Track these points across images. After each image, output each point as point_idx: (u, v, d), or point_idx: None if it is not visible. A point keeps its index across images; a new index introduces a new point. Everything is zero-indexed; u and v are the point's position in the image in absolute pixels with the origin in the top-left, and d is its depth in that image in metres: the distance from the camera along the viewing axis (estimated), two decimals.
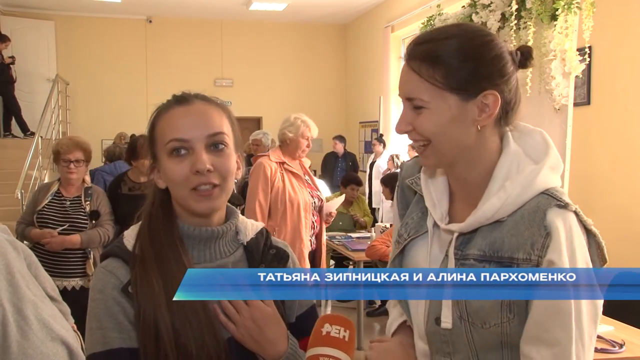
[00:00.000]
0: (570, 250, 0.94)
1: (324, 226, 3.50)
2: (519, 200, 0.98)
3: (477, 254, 1.00)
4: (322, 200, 3.42)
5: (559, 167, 1.03)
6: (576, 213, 0.98)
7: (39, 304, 1.29)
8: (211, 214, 1.04)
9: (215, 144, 1.01)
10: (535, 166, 1.01)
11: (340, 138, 8.74)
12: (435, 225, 1.08)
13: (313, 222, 3.34)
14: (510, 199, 0.98)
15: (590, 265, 0.97)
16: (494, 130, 1.04)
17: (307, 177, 3.42)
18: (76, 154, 3.14)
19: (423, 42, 1.01)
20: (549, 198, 0.97)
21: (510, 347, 1.00)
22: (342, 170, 8.58)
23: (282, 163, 3.27)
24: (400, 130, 1.05)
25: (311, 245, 3.34)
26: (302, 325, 1.12)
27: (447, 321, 1.02)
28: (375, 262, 4.14)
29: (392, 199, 5.38)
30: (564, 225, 0.95)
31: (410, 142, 1.10)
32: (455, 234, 1.03)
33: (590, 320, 0.96)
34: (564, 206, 0.97)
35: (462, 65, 0.97)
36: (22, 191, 6.49)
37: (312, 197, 3.35)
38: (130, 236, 1.06)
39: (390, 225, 5.18)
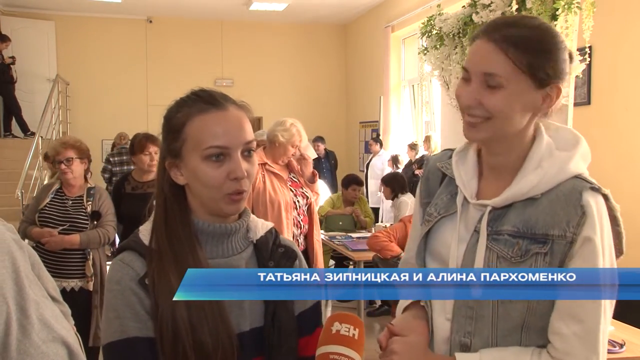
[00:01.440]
0: (601, 229, 1.02)
1: (316, 226, 3.46)
2: (555, 180, 1.05)
3: (511, 229, 1.06)
4: (308, 198, 3.40)
5: (588, 158, 1.12)
6: (606, 197, 1.06)
7: (40, 304, 1.29)
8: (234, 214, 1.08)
9: (248, 151, 1.05)
10: (568, 153, 1.09)
11: (321, 139, 8.71)
12: (464, 204, 1.14)
13: (299, 221, 3.34)
14: (546, 177, 1.05)
15: (613, 249, 1.04)
16: (534, 120, 1.11)
17: (292, 175, 3.41)
18: (65, 153, 3.13)
19: (513, 26, 1.07)
20: (583, 181, 1.05)
21: (528, 330, 1.05)
22: (327, 170, 8.62)
23: (264, 164, 3.26)
24: (465, 103, 1.08)
25: (298, 245, 3.33)
26: (303, 323, 1.12)
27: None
28: (375, 262, 4.14)
29: (392, 199, 5.39)
30: (597, 206, 1.03)
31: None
32: (489, 208, 1.09)
33: None
34: (597, 189, 1.05)
35: (545, 56, 1.05)
36: (22, 191, 6.51)
37: (296, 195, 3.34)
38: (145, 230, 1.07)
39: (391, 225, 5.18)
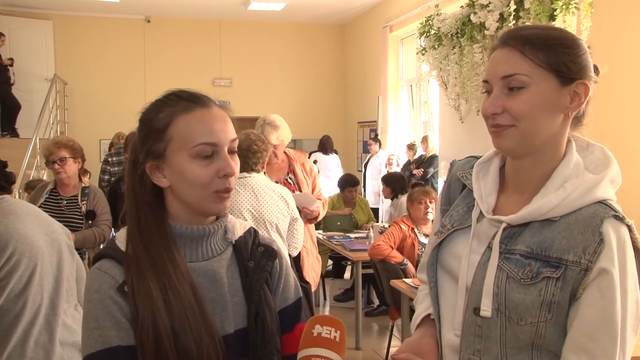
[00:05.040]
0: (621, 261, 0.96)
1: (308, 229, 3.42)
2: (576, 204, 1.00)
3: (524, 250, 1.01)
4: None
5: (617, 181, 1.07)
6: (630, 228, 1.00)
7: (67, 310, 1.36)
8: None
9: (232, 149, 1.04)
10: (596, 176, 1.04)
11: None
12: (480, 218, 1.10)
13: None
14: (567, 200, 1.00)
15: (637, 281, 0.99)
16: (567, 130, 1.07)
17: (289, 176, 3.40)
18: (58, 153, 3.13)
19: (525, 29, 1.07)
20: (607, 208, 1.00)
21: (540, 350, 1.01)
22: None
23: None
24: (489, 111, 1.04)
25: None
26: (284, 320, 1.11)
27: (486, 309, 1.02)
28: (374, 263, 4.13)
29: (391, 198, 5.37)
30: (617, 236, 0.97)
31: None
32: (503, 225, 1.05)
33: (632, 331, 0.97)
34: (621, 218, 0.99)
35: (564, 51, 1.02)
36: (21, 191, 6.48)
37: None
38: (122, 237, 1.05)
39: (389, 225, 5.17)
